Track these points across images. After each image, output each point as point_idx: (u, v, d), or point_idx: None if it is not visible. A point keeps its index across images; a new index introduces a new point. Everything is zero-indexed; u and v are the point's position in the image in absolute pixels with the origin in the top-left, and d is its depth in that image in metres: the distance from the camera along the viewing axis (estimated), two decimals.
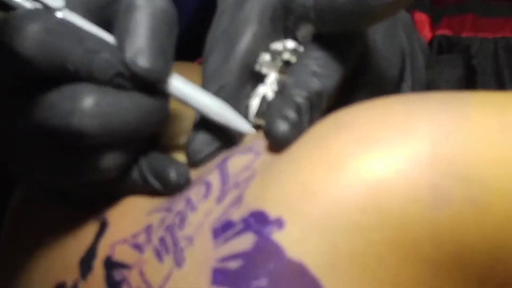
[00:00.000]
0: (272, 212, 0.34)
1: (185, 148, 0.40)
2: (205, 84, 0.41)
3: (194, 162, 0.40)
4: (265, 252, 0.34)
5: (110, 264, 0.39)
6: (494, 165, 0.33)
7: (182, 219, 0.37)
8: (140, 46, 0.37)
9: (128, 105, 0.37)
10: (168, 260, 0.36)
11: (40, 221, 0.44)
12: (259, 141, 0.38)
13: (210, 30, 0.43)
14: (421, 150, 0.34)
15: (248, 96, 0.41)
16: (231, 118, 0.39)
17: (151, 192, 0.40)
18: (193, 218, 0.37)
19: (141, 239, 0.38)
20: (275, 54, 0.41)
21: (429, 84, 0.52)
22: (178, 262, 0.36)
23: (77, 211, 0.41)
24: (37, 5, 0.38)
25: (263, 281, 0.33)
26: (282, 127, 0.37)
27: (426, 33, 0.57)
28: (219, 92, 0.40)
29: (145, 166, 0.39)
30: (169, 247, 0.37)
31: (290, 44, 0.41)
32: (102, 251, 0.39)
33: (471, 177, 0.33)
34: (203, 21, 0.48)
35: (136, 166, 0.40)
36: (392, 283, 0.33)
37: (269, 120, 0.37)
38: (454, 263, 0.33)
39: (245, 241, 0.34)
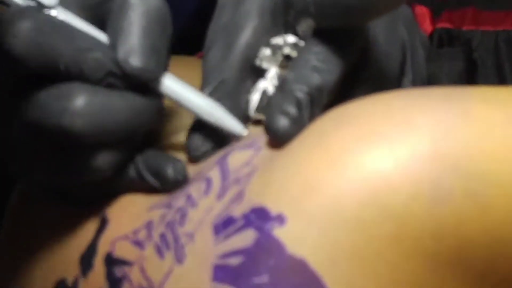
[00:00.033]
0: (273, 208, 0.34)
1: (185, 143, 0.40)
2: (206, 79, 0.41)
3: (194, 157, 0.40)
4: (266, 249, 0.33)
5: (111, 261, 0.39)
6: (495, 159, 0.33)
7: (183, 215, 0.37)
8: (132, 45, 0.37)
9: (119, 105, 0.37)
10: (169, 256, 0.36)
11: (40, 219, 0.44)
12: (260, 137, 0.38)
13: (210, 24, 0.42)
14: (422, 145, 0.33)
15: (248, 91, 0.41)
16: (223, 119, 0.39)
17: (150, 189, 0.39)
18: (194, 215, 0.37)
19: (142, 235, 0.38)
20: (276, 49, 0.41)
21: (430, 77, 0.52)
22: (179, 259, 0.36)
23: (77, 209, 0.41)
24: (31, 3, 0.38)
25: (264, 278, 0.33)
26: (283, 122, 0.36)
27: (427, 26, 0.57)
28: (219, 87, 0.40)
29: (142, 164, 0.39)
30: (170, 243, 0.36)
31: (291, 38, 0.41)
32: (102, 248, 0.39)
33: (472, 172, 0.33)
34: (203, 15, 0.48)
35: (133, 164, 0.39)
36: (393, 278, 0.33)
37: (270, 115, 0.37)
38: (455, 258, 0.33)
39: (246, 238, 0.34)
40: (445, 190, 0.33)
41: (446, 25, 0.57)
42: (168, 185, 0.39)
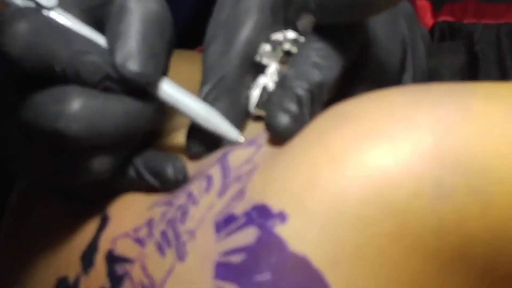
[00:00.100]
0: (275, 205, 0.34)
1: (185, 141, 0.40)
2: (206, 74, 0.41)
3: (194, 155, 0.40)
4: (268, 246, 0.33)
5: (112, 258, 0.39)
6: (497, 156, 0.33)
7: (184, 213, 0.37)
8: (130, 50, 0.37)
9: (116, 109, 0.37)
10: (170, 254, 0.36)
11: (40, 217, 0.43)
12: (260, 134, 0.38)
13: (210, 20, 0.42)
14: (424, 142, 0.33)
15: (248, 87, 0.41)
16: (220, 125, 0.39)
17: (151, 188, 0.39)
18: (195, 212, 0.36)
19: (143, 233, 0.38)
20: (276, 45, 0.41)
21: (431, 72, 0.52)
22: (180, 256, 0.36)
23: (77, 207, 0.41)
24: (30, 4, 0.38)
25: (266, 275, 0.33)
26: (284, 120, 0.36)
27: (428, 19, 0.57)
28: (219, 83, 0.40)
29: (141, 164, 0.39)
30: (171, 241, 0.36)
31: (291, 34, 0.41)
32: (103, 245, 0.39)
33: (474, 169, 0.33)
34: (204, 10, 0.47)
35: (132, 165, 0.39)
36: (394, 275, 0.33)
37: (270, 113, 0.37)
38: (456, 255, 0.33)
39: (248, 235, 0.34)
40: (446, 187, 0.33)
41: (448, 18, 0.57)
42: (168, 184, 0.39)
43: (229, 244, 0.34)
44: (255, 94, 0.40)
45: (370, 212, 0.33)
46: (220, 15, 0.41)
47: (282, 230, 0.33)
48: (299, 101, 0.37)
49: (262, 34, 0.41)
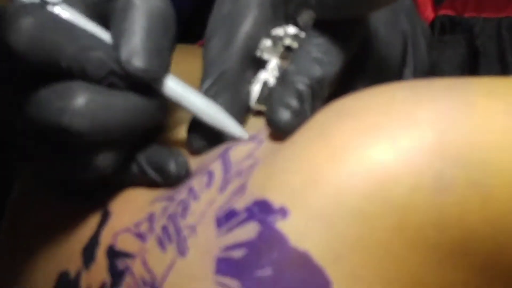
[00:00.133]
0: (276, 201, 0.34)
1: (186, 136, 0.40)
2: (206, 70, 0.41)
3: (196, 150, 0.40)
4: (269, 241, 0.33)
5: (113, 253, 0.39)
6: (497, 149, 0.33)
7: (185, 208, 0.37)
8: (135, 46, 0.37)
9: (120, 105, 0.37)
10: (171, 249, 0.36)
11: (41, 214, 0.43)
12: (261, 129, 0.38)
13: (211, 15, 0.42)
14: (424, 137, 0.33)
15: (249, 82, 0.41)
16: (224, 122, 0.39)
17: (153, 183, 0.39)
18: (196, 207, 0.37)
19: (144, 228, 0.38)
20: (276, 40, 0.41)
21: (431, 66, 0.52)
22: (181, 251, 0.36)
23: (79, 202, 0.41)
24: None
25: (267, 271, 0.33)
26: (285, 115, 0.36)
27: (429, 13, 0.57)
28: (220, 78, 0.40)
29: (144, 159, 0.39)
30: (172, 236, 0.36)
31: (291, 29, 0.41)
32: (104, 240, 0.39)
33: (474, 161, 0.33)
34: (203, 4, 0.47)
35: (134, 160, 0.39)
36: (396, 270, 0.33)
37: (271, 108, 0.37)
38: (457, 248, 0.33)
39: (249, 230, 0.34)
40: (447, 180, 0.33)
41: (448, 12, 0.57)
42: (170, 180, 0.39)
43: (230, 239, 0.34)
44: (255, 89, 0.40)
45: (371, 206, 0.33)
46: (220, 10, 0.41)
47: (283, 226, 0.34)
48: (300, 96, 0.37)
49: (263, 29, 0.41)
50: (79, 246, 0.40)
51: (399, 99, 0.35)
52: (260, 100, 0.40)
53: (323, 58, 0.38)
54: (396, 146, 0.33)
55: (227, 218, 0.35)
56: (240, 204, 0.35)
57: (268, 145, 0.37)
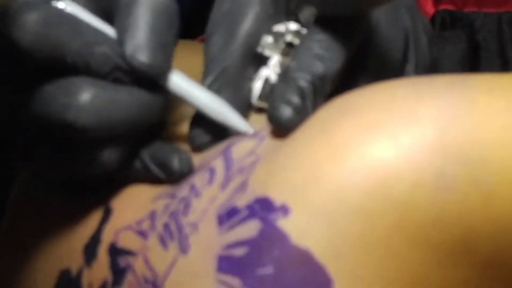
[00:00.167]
0: (277, 198, 0.34)
1: (188, 132, 0.40)
2: (207, 66, 0.40)
3: (197, 147, 0.40)
4: (270, 239, 0.33)
5: (115, 251, 0.39)
6: (499, 147, 0.33)
7: (186, 205, 0.37)
8: (140, 41, 0.37)
9: (125, 100, 0.37)
10: (173, 247, 0.36)
11: (42, 211, 0.43)
12: (263, 126, 0.38)
13: (212, 11, 0.42)
14: (425, 134, 0.33)
15: (250, 79, 0.41)
16: (229, 117, 0.39)
17: (155, 180, 0.39)
18: (198, 205, 0.36)
19: (145, 225, 0.38)
20: (278, 36, 0.41)
21: (432, 61, 0.52)
22: (183, 249, 0.36)
23: (80, 199, 0.41)
24: None
25: (268, 269, 0.33)
26: (286, 112, 0.36)
27: (429, 8, 0.57)
28: (221, 75, 0.40)
29: (147, 155, 0.39)
30: (174, 233, 0.36)
31: (293, 26, 0.40)
32: (106, 238, 0.39)
33: (475, 160, 0.33)
34: (204, 0, 0.47)
35: (138, 156, 0.39)
36: (397, 268, 0.33)
37: (273, 105, 0.37)
38: (459, 247, 0.33)
39: (250, 228, 0.34)
40: (448, 178, 0.33)
41: (449, 6, 0.57)
42: (173, 176, 0.39)
43: (232, 237, 0.34)
44: (257, 86, 0.40)
45: (372, 204, 0.33)
46: (221, 6, 0.41)
47: (285, 224, 0.33)
48: (301, 93, 0.37)
49: (264, 25, 0.41)
50: (80, 244, 0.40)
51: (400, 96, 0.35)
52: (261, 96, 0.40)
53: (324, 54, 0.38)
54: (397, 143, 0.33)
55: (228, 216, 0.35)
56: (242, 201, 0.35)
57: (269, 141, 0.37)
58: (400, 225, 0.33)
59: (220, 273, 0.34)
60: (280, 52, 0.40)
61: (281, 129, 0.36)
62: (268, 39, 0.40)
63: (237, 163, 0.37)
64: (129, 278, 0.37)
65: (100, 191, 0.41)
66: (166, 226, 0.37)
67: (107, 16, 0.39)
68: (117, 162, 0.38)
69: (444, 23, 0.56)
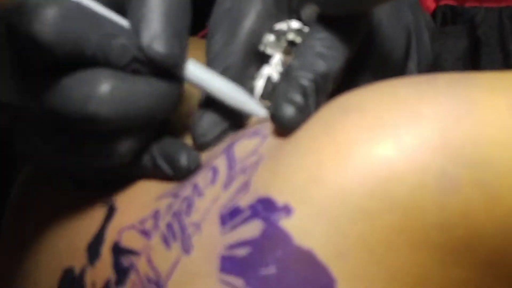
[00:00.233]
0: (280, 198, 0.34)
1: (191, 130, 0.40)
2: (209, 65, 0.40)
3: (201, 145, 0.40)
4: (273, 240, 0.33)
5: (118, 250, 0.39)
6: (502, 148, 0.33)
7: (189, 205, 0.37)
8: (155, 31, 0.37)
9: (144, 91, 0.37)
10: (176, 247, 0.36)
11: (44, 208, 0.43)
12: (265, 124, 0.38)
13: (213, 9, 0.42)
14: (428, 135, 0.33)
15: (252, 77, 0.41)
16: (246, 102, 0.39)
17: (161, 176, 0.39)
18: (200, 204, 0.36)
19: (149, 225, 0.38)
20: (280, 35, 0.41)
21: (434, 57, 0.52)
22: (186, 249, 0.36)
23: (84, 196, 0.41)
24: None
25: (271, 269, 0.33)
26: (289, 111, 0.36)
27: (430, 3, 0.57)
28: (223, 73, 0.40)
29: (157, 150, 0.39)
30: (177, 233, 0.36)
31: (295, 24, 0.40)
32: (110, 237, 0.39)
33: (479, 161, 0.33)
34: None
35: (148, 151, 0.39)
36: (400, 269, 0.33)
37: (275, 104, 0.37)
38: (461, 247, 0.33)
39: (253, 228, 0.34)
40: (451, 179, 0.33)
41: (449, 2, 0.57)
42: (180, 173, 0.39)
43: (234, 237, 0.34)
44: (259, 84, 0.40)
45: (374, 204, 0.33)
46: (223, 5, 0.41)
47: (287, 224, 0.34)
48: (304, 92, 0.37)
49: (266, 24, 0.41)
50: (84, 242, 0.40)
51: (402, 96, 0.35)
52: (263, 95, 0.40)
53: (326, 53, 0.38)
54: (400, 143, 0.33)
55: (231, 216, 0.35)
56: (244, 201, 0.35)
57: (272, 140, 0.37)
58: (402, 226, 0.33)
59: (223, 273, 0.34)
60: (282, 50, 0.40)
61: (284, 128, 0.36)
62: (270, 37, 0.40)
63: (240, 163, 0.37)
64: (132, 277, 0.37)
65: (104, 189, 0.41)
66: (169, 226, 0.37)
67: (118, 9, 0.39)
68: (131, 155, 0.39)
69: (445, 18, 0.56)
